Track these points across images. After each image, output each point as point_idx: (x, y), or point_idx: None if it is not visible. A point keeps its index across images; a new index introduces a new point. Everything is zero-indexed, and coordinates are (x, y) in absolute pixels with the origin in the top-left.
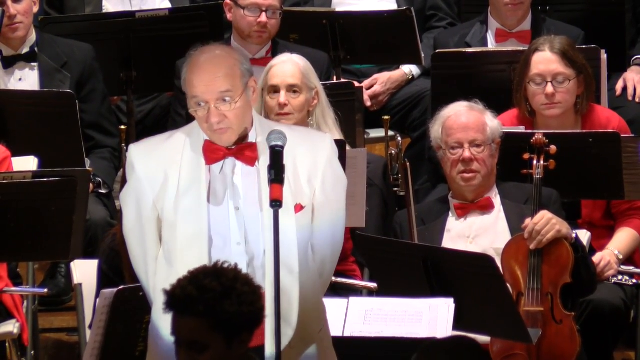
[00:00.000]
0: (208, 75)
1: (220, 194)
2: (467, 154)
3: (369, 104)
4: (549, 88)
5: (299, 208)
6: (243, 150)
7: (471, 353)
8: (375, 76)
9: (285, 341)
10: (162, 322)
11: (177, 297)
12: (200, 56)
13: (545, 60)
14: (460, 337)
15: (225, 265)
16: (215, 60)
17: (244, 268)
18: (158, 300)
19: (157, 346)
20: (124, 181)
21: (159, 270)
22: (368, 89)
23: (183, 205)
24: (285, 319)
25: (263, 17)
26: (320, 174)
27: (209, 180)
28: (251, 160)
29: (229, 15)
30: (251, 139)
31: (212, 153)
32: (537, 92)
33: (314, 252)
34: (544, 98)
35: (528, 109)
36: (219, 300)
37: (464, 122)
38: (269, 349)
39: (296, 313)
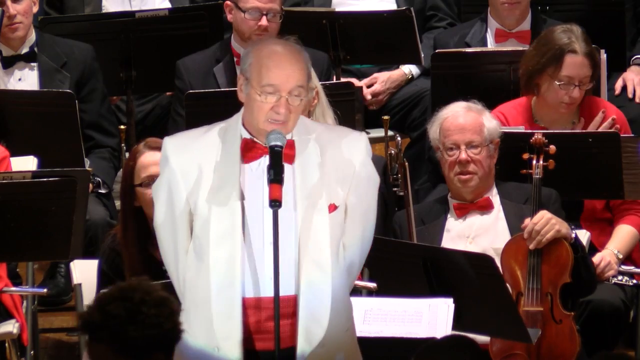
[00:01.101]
0: (290, 67)
1: (255, 192)
2: (463, 155)
3: (369, 97)
4: (576, 92)
5: (332, 208)
6: None
7: (470, 352)
8: (375, 75)
9: (315, 341)
10: (190, 318)
11: (85, 323)
12: (276, 46)
13: (578, 64)
14: (458, 336)
15: (138, 286)
16: (295, 54)
17: (273, 269)
18: (187, 295)
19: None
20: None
21: (189, 265)
22: (368, 87)
23: (217, 201)
24: (316, 319)
25: (264, 21)
26: (354, 174)
27: (244, 178)
28: (289, 158)
29: (229, 16)
30: (288, 136)
31: (250, 151)
32: (561, 92)
33: (345, 250)
34: (566, 98)
35: (536, 94)
36: (123, 326)
37: (461, 123)
38: (300, 349)
39: (327, 313)
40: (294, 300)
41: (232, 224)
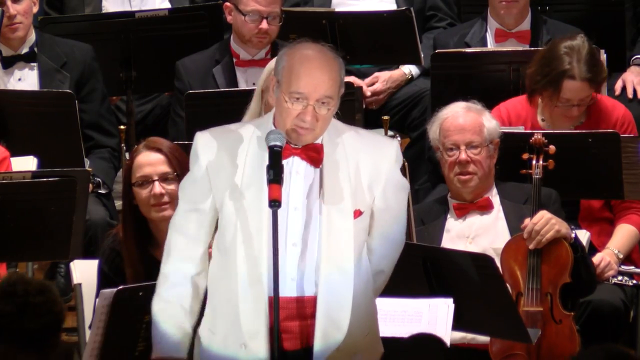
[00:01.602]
0: (320, 76)
1: (283, 193)
2: (463, 156)
3: (368, 94)
4: (575, 111)
5: (357, 214)
6: (309, 150)
7: (435, 351)
8: (376, 74)
9: (333, 344)
10: (216, 315)
11: None
12: (309, 51)
13: (577, 89)
14: (423, 335)
15: (15, 279)
16: (328, 63)
17: (295, 270)
18: (212, 292)
19: (206, 348)
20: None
21: (214, 260)
22: (369, 86)
23: (245, 200)
24: (335, 323)
25: (264, 24)
26: (382, 181)
27: None
28: (316, 162)
29: (228, 18)
30: (318, 139)
31: None
32: (560, 110)
33: (372, 256)
34: (565, 113)
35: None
36: (18, 322)
37: (461, 123)
38: (318, 351)
39: (347, 317)
40: (314, 301)
41: (259, 222)
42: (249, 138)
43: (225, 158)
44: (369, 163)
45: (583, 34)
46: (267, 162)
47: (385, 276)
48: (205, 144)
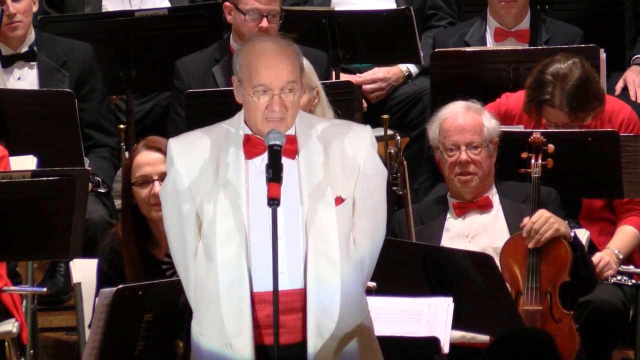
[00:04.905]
0: (278, 63)
1: (260, 188)
2: (463, 156)
3: (367, 86)
4: (562, 127)
5: (339, 201)
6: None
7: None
8: (376, 69)
9: (327, 334)
10: (201, 318)
11: None
12: (263, 44)
13: (557, 115)
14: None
15: None
16: (283, 50)
17: (284, 263)
18: (198, 295)
19: (196, 348)
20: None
21: (199, 265)
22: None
23: (222, 199)
24: (327, 312)
25: (264, 23)
26: (360, 166)
27: (248, 174)
28: (292, 154)
29: (228, 18)
30: (291, 132)
31: (253, 147)
32: (550, 127)
33: (355, 245)
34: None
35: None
36: None
37: (461, 123)
38: (312, 342)
39: (338, 306)
40: (302, 294)
41: (238, 220)
42: (223, 139)
43: (201, 161)
44: (345, 150)
45: (578, 59)
46: (242, 160)
47: (368, 265)
48: (180, 149)
